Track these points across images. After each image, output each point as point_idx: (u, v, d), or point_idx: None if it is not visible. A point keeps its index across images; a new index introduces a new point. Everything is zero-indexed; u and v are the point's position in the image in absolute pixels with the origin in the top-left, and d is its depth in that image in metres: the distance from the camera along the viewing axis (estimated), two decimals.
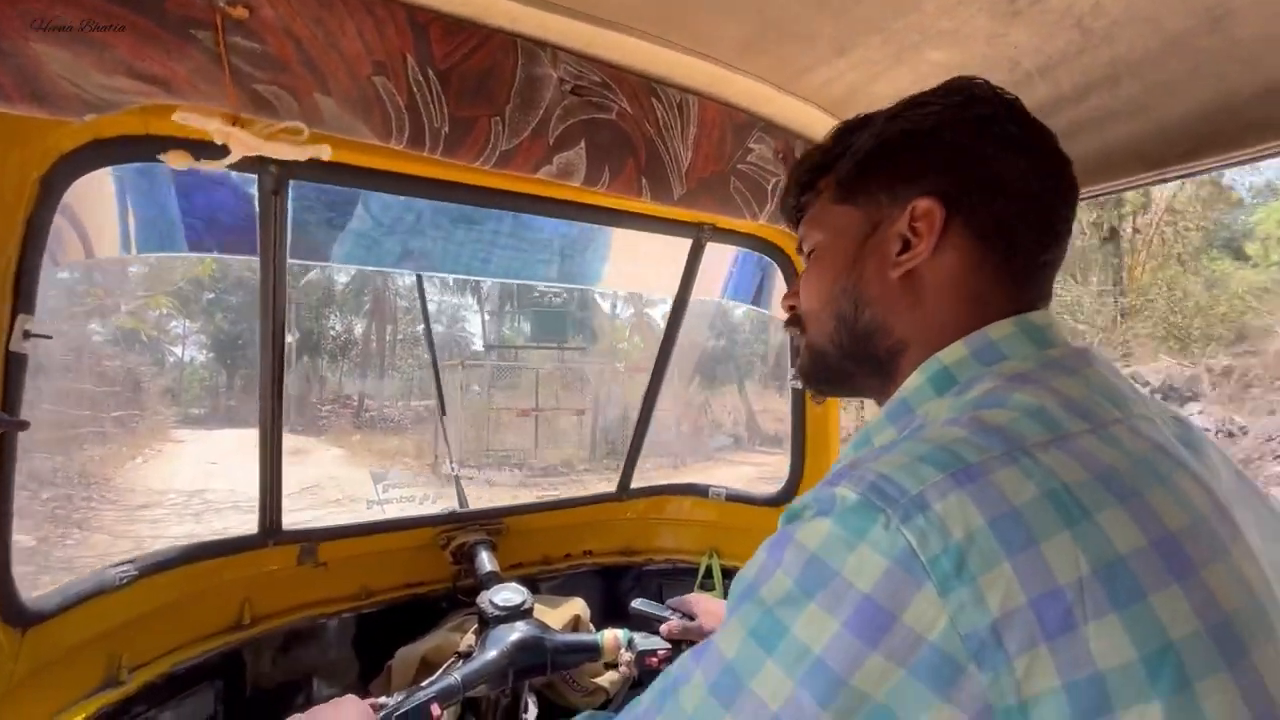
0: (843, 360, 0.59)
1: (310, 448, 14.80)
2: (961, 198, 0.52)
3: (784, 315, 0.69)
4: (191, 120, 0.68)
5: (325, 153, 0.71)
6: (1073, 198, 0.55)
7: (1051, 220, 0.53)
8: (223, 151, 0.73)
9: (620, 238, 1.55)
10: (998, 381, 0.46)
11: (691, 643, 1.09)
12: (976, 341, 0.50)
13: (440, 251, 1.43)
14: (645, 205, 1.15)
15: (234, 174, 0.87)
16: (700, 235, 1.27)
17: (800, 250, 0.65)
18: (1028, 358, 0.48)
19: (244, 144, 0.67)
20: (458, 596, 1.32)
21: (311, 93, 0.70)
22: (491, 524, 1.36)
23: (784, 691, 0.37)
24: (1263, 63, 0.74)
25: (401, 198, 1.30)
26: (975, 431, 0.41)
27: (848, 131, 0.61)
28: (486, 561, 1.27)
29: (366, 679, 1.23)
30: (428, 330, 1.47)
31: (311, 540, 1.17)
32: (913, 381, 0.52)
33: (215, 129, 0.70)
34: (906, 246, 0.53)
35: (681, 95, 0.97)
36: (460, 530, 1.32)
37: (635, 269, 1.64)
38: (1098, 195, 0.98)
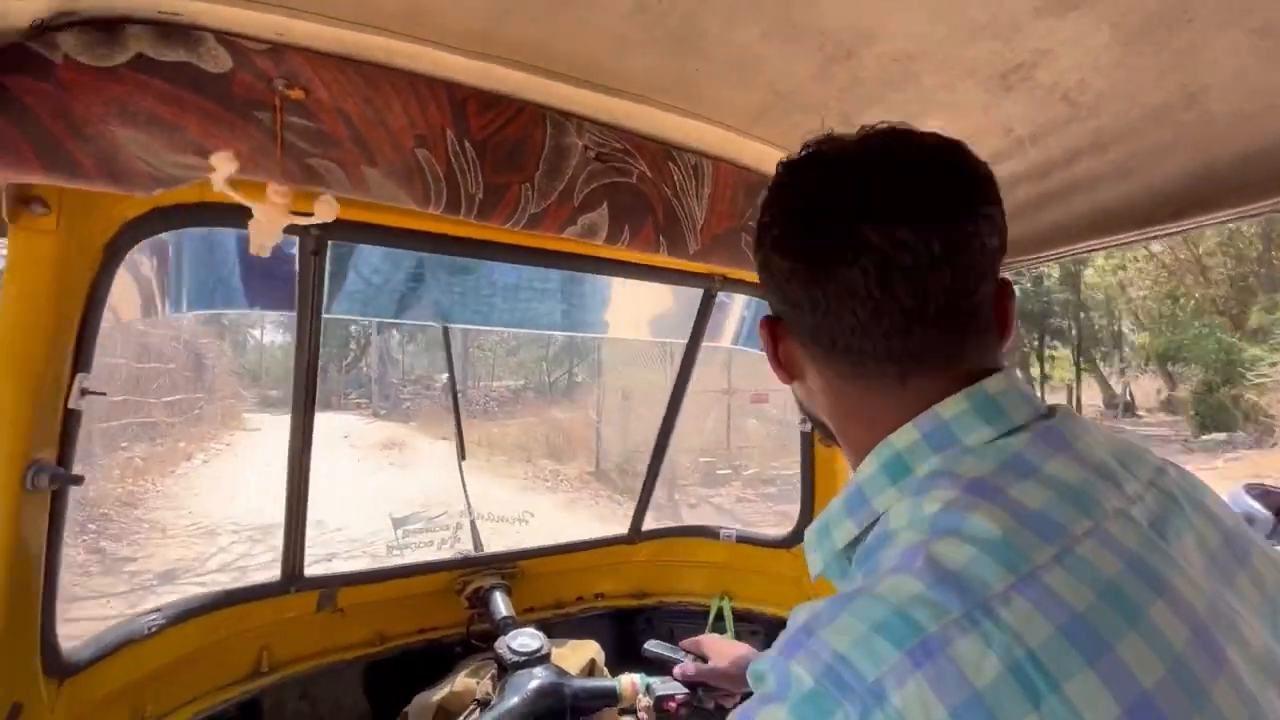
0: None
1: (405, 438, 13.20)
2: (780, 321, 0.53)
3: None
4: (231, 191, 0.73)
5: (333, 212, 0.76)
6: (888, 202, 0.46)
7: (834, 295, 0.47)
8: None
9: (620, 286, 1.60)
10: (954, 491, 0.42)
11: (706, 685, 1.09)
12: (928, 423, 0.47)
13: (443, 303, 1.47)
14: (660, 259, 1.21)
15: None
16: (711, 286, 1.33)
17: None
18: (987, 452, 0.45)
19: (276, 216, 0.72)
20: (472, 641, 1.33)
21: (359, 165, 0.76)
22: (506, 567, 1.37)
23: None
24: (1236, 135, 0.80)
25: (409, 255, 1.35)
26: (931, 584, 0.38)
27: None
28: (502, 606, 1.28)
29: None
30: (451, 378, 1.50)
31: (331, 586, 1.18)
32: (866, 468, 0.49)
33: (260, 206, 0.75)
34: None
35: (697, 159, 1.03)
36: (476, 574, 1.33)
37: (636, 317, 1.69)
38: (1091, 251, 1.04)
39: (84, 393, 0.72)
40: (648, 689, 1.12)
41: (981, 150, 0.97)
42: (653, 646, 1.18)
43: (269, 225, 0.75)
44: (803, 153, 0.52)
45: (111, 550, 6.16)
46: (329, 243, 0.91)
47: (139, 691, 0.92)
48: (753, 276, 1.40)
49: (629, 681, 1.12)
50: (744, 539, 1.53)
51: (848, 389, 0.51)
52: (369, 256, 1.31)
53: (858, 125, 0.87)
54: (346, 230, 0.91)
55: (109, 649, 0.85)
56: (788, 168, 0.52)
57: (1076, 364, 18.78)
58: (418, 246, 1.01)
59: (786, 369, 0.55)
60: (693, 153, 1.03)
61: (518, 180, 0.87)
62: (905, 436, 0.47)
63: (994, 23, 0.74)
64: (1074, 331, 18.46)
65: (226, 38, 0.68)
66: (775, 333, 0.55)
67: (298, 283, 0.91)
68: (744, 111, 0.95)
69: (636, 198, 0.97)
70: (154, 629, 0.92)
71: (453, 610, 1.33)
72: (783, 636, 0.41)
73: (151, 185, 0.66)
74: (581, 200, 0.93)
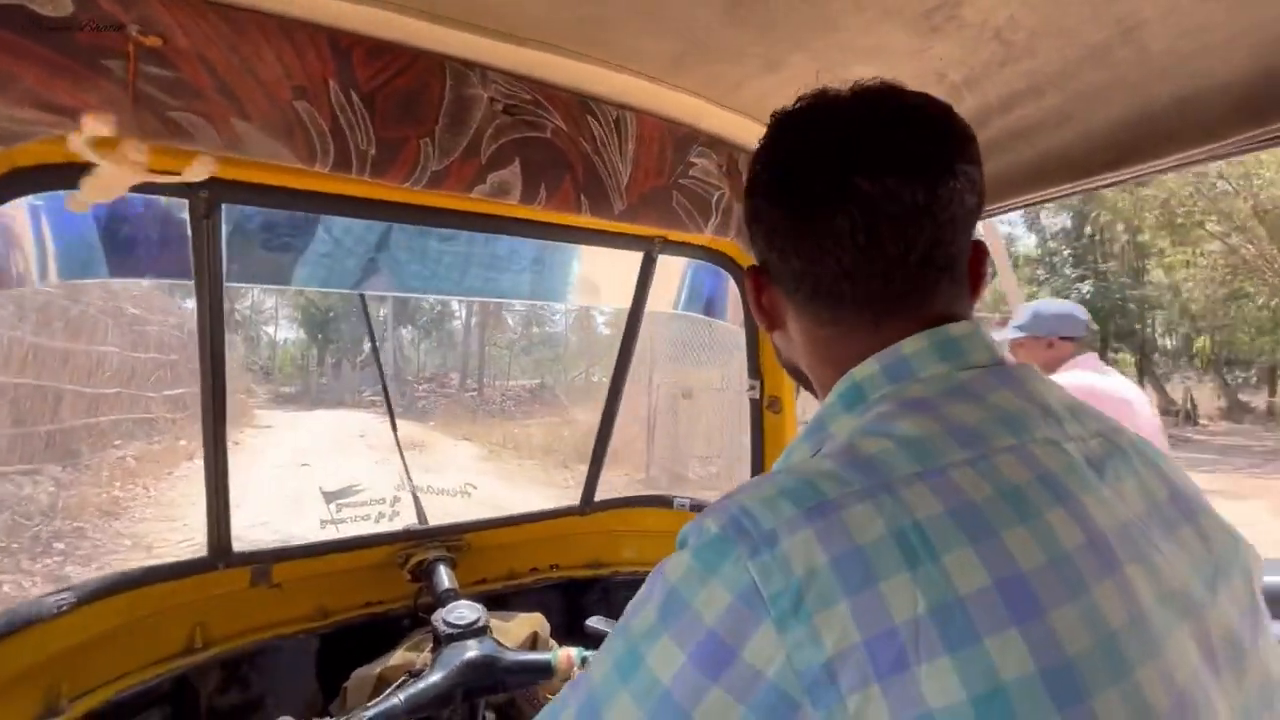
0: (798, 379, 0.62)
1: (425, 438, 12.23)
2: (768, 270, 0.55)
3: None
4: (81, 150, 0.67)
5: (208, 170, 0.71)
6: (874, 153, 0.48)
7: (821, 236, 0.49)
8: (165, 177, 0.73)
9: (588, 253, 1.56)
10: (892, 406, 0.45)
11: None
12: (888, 357, 0.49)
13: (410, 272, 1.43)
14: (594, 220, 1.16)
15: (162, 199, 0.87)
16: (651, 248, 1.28)
17: None
18: (935, 379, 0.47)
19: (132, 172, 0.67)
20: (419, 615, 1.32)
21: (229, 118, 0.71)
22: (452, 540, 1.35)
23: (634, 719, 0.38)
24: (1173, 74, 0.75)
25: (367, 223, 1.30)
26: (844, 464, 0.41)
27: None
28: (445, 579, 1.26)
29: (327, 701, 1.22)
30: (375, 352, 1.46)
31: (264, 561, 1.16)
32: (829, 399, 0.52)
33: (110, 162, 0.69)
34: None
35: (618, 111, 0.98)
36: (419, 547, 1.31)
37: (600, 283, 1.65)
38: (1032, 203, 1.00)
39: None
40: (584, 662, 1.11)
41: None
42: (594, 623, 1.16)
43: (113, 183, 0.70)
44: (796, 105, 0.53)
45: (78, 578, 4.95)
46: (222, 205, 0.87)
47: (53, 669, 0.90)
48: (696, 238, 1.37)
49: (564, 655, 1.10)
50: (697, 507, 1.51)
51: (823, 334, 0.53)
52: (320, 223, 1.26)
53: (783, 73, 0.83)
54: (239, 191, 0.86)
55: (9, 628, 0.83)
56: (780, 120, 0.54)
57: (1140, 368, 17.53)
58: (322, 209, 0.96)
59: (769, 317, 0.58)
60: (613, 105, 0.97)
61: (415, 135, 0.82)
62: (865, 369, 0.50)
63: None
64: (1140, 331, 17.43)
65: None
66: (759, 282, 0.57)
67: (191, 249, 0.87)
68: (661, 59, 0.90)
69: (552, 153, 0.92)
70: (64, 608, 0.90)
71: (399, 584, 1.32)
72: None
73: None
74: (489, 157, 0.88)
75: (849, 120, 0.50)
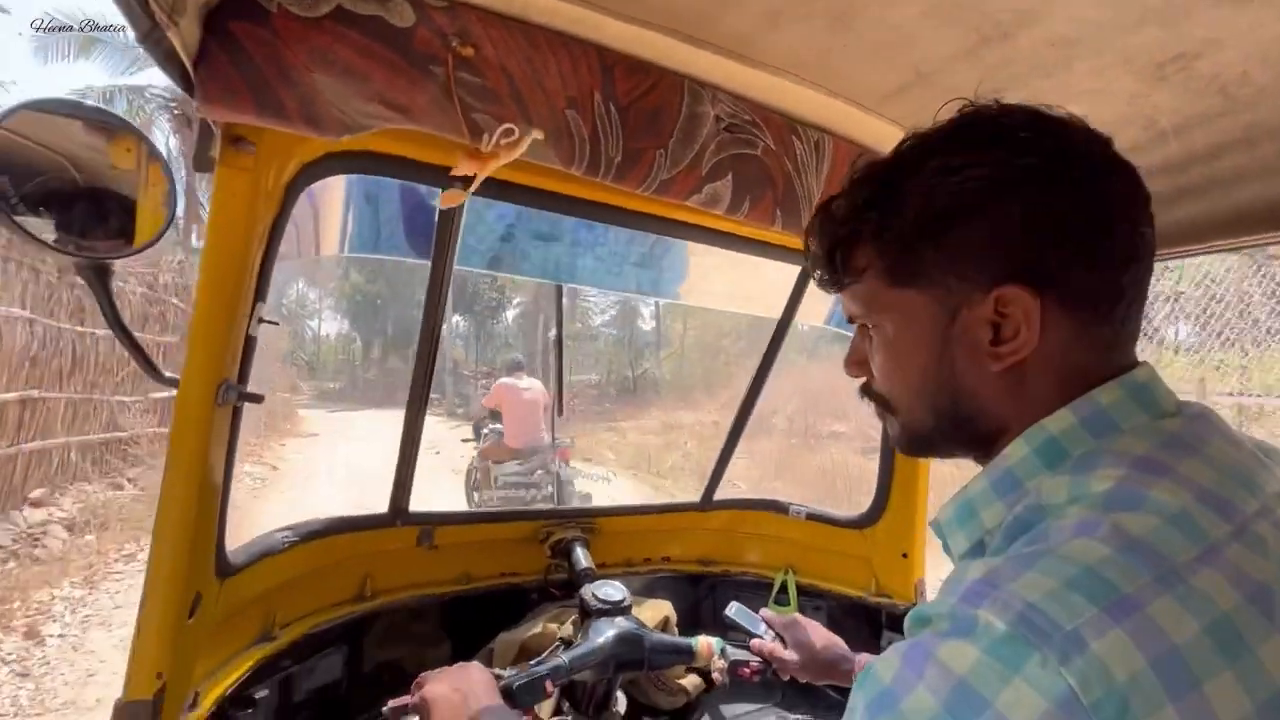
0: (940, 441, 0.57)
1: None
2: (1046, 273, 0.48)
3: None
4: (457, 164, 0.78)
5: (538, 134, 0.79)
6: (1149, 209, 0.50)
7: (1141, 250, 0.49)
8: (443, 172, 0.84)
9: (698, 252, 1.62)
10: (1124, 468, 0.43)
11: (773, 664, 1.11)
12: (1085, 409, 0.48)
13: (528, 259, 1.52)
14: (765, 233, 1.22)
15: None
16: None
17: (850, 318, 0.61)
18: (1142, 431, 0.46)
19: (485, 166, 0.76)
20: (549, 589, 1.40)
21: (517, 122, 0.79)
22: (586, 522, 1.43)
23: None
24: None
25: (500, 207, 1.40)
26: (1119, 549, 0.39)
27: (871, 201, 0.55)
28: (582, 558, 1.34)
29: (462, 657, 1.31)
30: (559, 340, 1.55)
31: (431, 524, 1.26)
32: (1016, 451, 0.49)
33: (463, 161, 0.80)
34: (998, 333, 0.50)
35: (819, 135, 1.04)
36: (559, 526, 1.39)
37: (715, 284, 1.71)
38: (1222, 250, 1.01)
39: (260, 320, 0.78)
40: (723, 651, 1.16)
41: (1120, 141, 0.95)
42: (733, 614, 1.21)
43: (474, 176, 0.80)
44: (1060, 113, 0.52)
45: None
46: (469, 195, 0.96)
47: (271, 599, 1.00)
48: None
49: (705, 643, 1.16)
50: (814, 516, 1.55)
51: (1074, 358, 0.50)
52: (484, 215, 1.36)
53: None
54: (484, 187, 0.95)
55: (255, 557, 0.93)
56: (1069, 124, 0.52)
57: None
58: (543, 205, 1.05)
59: (1022, 340, 0.51)
60: (815, 128, 1.04)
61: (653, 146, 0.90)
62: (1060, 421, 0.48)
63: (1166, 8, 0.72)
64: None
65: None
66: (1041, 292, 0.51)
67: (435, 233, 0.96)
68: (878, 90, 0.95)
69: (760, 170, 0.99)
70: (287, 544, 1.01)
71: (533, 558, 1.40)
72: (953, 589, 0.42)
73: (340, 130, 0.70)
74: (709, 170, 0.95)
75: (1122, 167, 0.51)
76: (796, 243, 1.29)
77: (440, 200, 0.77)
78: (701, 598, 1.60)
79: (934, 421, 0.56)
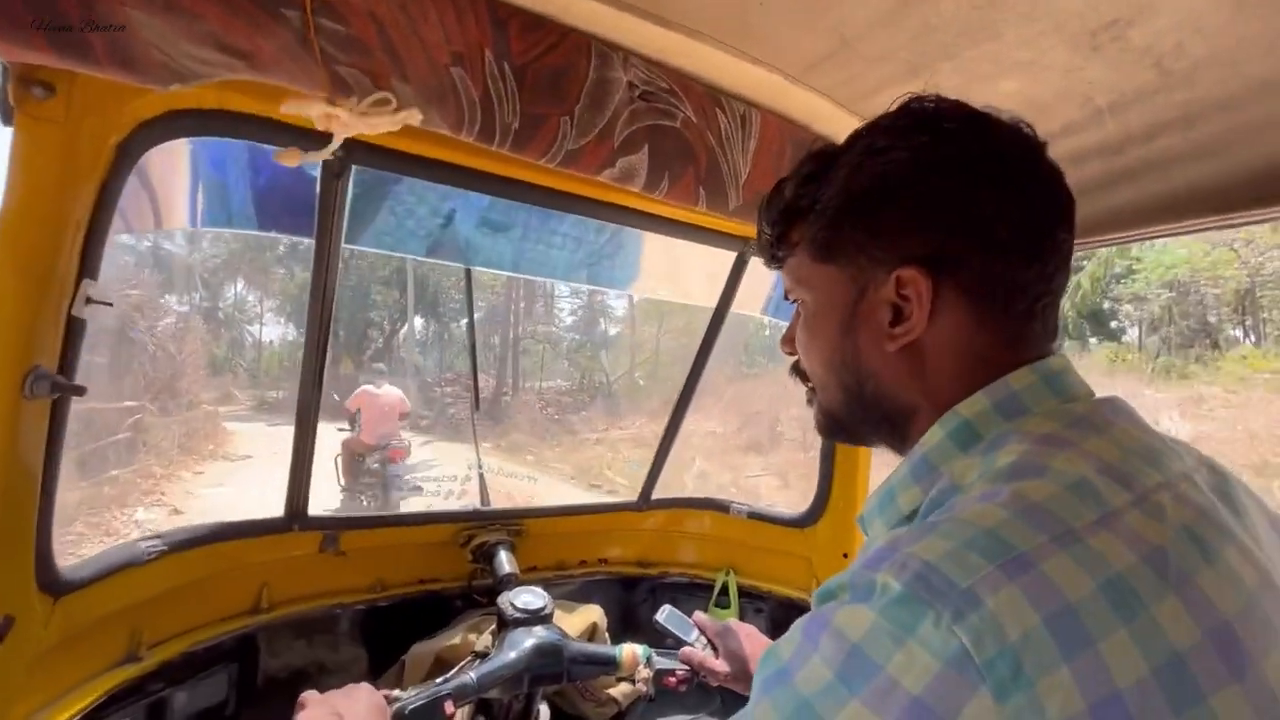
0: (853, 423, 0.58)
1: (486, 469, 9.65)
2: (946, 259, 0.49)
3: None
4: (296, 108, 0.68)
5: (416, 118, 0.70)
6: (1070, 216, 0.52)
7: (1049, 252, 0.50)
8: (313, 136, 0.73)
9: (653, 243, 1.55)
10: (1028, 444, 0.44)
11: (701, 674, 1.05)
12: (998, 392, 0.48)
13: (476, 247, 1.43)
14: (696, 215, 1.15)
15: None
16: (746, 250, 1.27)
17: (787, 296, 0.62)
18: (1051, 413, 0.47)
19: (346, 125, 0.66)
20: (473, 596, 1.31)
21: (389, 78, 0.70)
22: (512, 525, 1.35)
23: None
24: None
25: (443, 190, 1.31)
26: (1018, 512, 0.38)
27: (811, 177, 0.57)
28: (506, 563, 1.26)
29: (377, 672, 1.21)
30: (471, 325, 1.45)
31: (335, 529, 1.16)
32: (932, 437, 0.50)
33: (319, 113, 0.70)
34: (898, 315, 0.51)
35: (745, 108, 0.97)
36: (481, 529, 1.31)
37: (667, 276, 1.63)
38: (1160, 236, 0.97)
39: (89, 300, 0.68)
40: (648, 660, 1.09)
41: (1054, 120, 0.89)
42: (664, 619, 1.14)
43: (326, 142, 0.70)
44: (971, 109, 0.53)
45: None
46: (353, 167, 0.86)
47: (136, 616, 0.90)
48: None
49: (629, 652, 1.09)
50: (755, 515, 1.49)
51: (977, 346, 0.51)
52: (402, 194, 1.26)
53: (922, 82, 0.82)
54: (372, 155, 0.86)
55: (107, 570, 0.83)
56: (984, 118, 0.52)
57: None
58: (444, 179, 0.95)
59: (914, 320, 0.52)
60: (741, 100, 0.96)
61: (557, 112, 0.81)
62: (974, 405, 0.49)
63: None
64: None
65: None
66: (935, 274, 0.52)
67: (318, 206, 0.86)
68: (802, 57, 0.88)
69: (679, 143, 0.91)
70: (153, 554, 0.90)
71: (455, 563, 1.31)
72: (860, 559, 0.43)
73: (168, 78, 0.61)
74: (622, 141, 0.87)
75: (1038, 146, 0.53)
76: (732, 226, 1.23)
77: (276, 156, 0.67)
78: (639, 601, 1.52)
79: (844, 399, 0.57)
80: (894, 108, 0.55)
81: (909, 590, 0.36)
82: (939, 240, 0.49)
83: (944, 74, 0.87)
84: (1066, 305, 15.16)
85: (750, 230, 1.24)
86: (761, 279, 1.43)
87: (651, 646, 1.11)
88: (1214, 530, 0.40)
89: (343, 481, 6.65)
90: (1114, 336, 15.96)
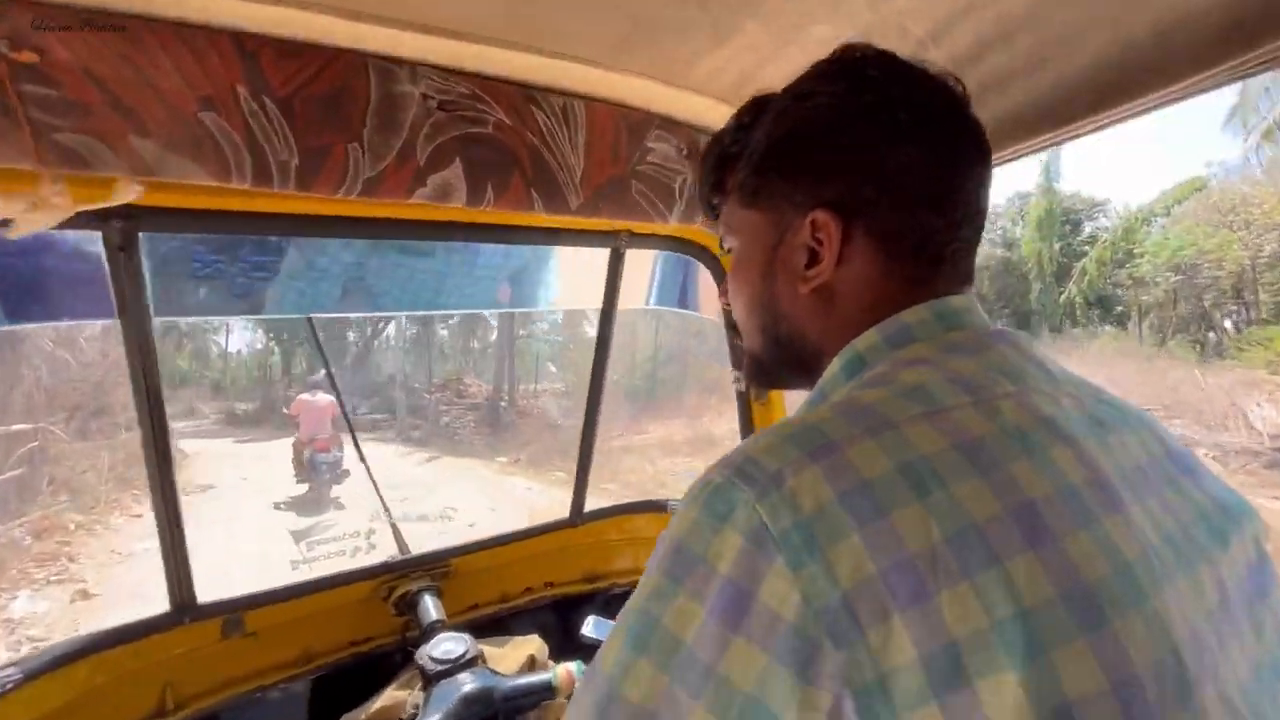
0: (773, 365, 0.59)
1: (500, 490, 9.07)
2: (857, 204, 0.50)
3: (713, 315, 0.67)
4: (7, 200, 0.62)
5: (132, 194, 0.64)
6: (982, 167, 0.52)
7: (961, 199, 0.51)
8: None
9: (567, 256, 1.50)
10: (890, 365, 0.46)
11: None
12: (890, 326, 0.50)
13: (386, 289, 1.37)
14: (553, 219, 1.09)
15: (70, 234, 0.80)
16: (618, 243, 1.22)
17: (722, 248, 0.63)
18: (931, 340, 0.48)
19: (62, 209, 0.60)
20: (409, 649, 1.25)
21: (125, 136, 0.64)
22: (437, 568, 1.29)
23: (658, 687, 0.37)
24: (1152, 2, 0.69)
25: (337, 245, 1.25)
26: (844, 411, 0.41)
27: (743, 125, 0.58)
28: (432, 610, 1.20)
29: None
30: (329, 372, 1.39)
31: (235, 610, 1.09)
32: (829, 369, 0.52)
33: (31, 197, 0.64)
34: (813, 258, 0.52)
35: (564, 100, 0.91)
36: (402, 579, 1.24)
37: (584, 285, 1.58)
38: (1009, 159, 0.94)
39: None
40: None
41: None
42: (590, 631, 1.10)
43: (34, 226, 0.64)
44: (861, 49, 0.54)
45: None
46: (139, 235, 0.80)
47: None
48: (659, 228, 1.31)
49: (564, 671, 1.04)
50: None
51: (887, 289, 0.52)
52: (306, 249, 1.20)
53: (736, 44, 0.80)
54: (158, 218, 0.79)
55: None
56: (864, 59, 0.53)
57: None
58: (251, 229, 0.89)
59: (823, 267, 0.53)
60: (559, 94, 0.91)
61: (342, 140, 0.76)
62: (867, 339, 0.50)
63: None
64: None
65: None
66: (843, 221, 0.52)
67: (111, 285, 0.80)
68: (605, 43, 0.83)
69: (495, 149, 0.86)
70: (9, 686, 0.83)
71: (385, 619, 1.25)
72: None
73: None
74: (428, 158, 0.81)
75: (960, 98, 0.53)
76: (598, 224, 1.17)
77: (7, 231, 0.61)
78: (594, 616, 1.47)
79: (763, 344, 0.58)
80: (831, 54, 0.55)
81: (726, 480, 0.39)
82: (851, 186, 0.50)
83: (753, 33, 0.83)
84: (1074, 291, 15.11)
85: (612, 224, 1.19)
86: (641, 270, 1.38)
87: (587, 661, 1.06)
88: (1047, 433, 0.40)
89: (294, 473, 8.40)
90: (1120, 322, 15.82)
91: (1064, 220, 16.77)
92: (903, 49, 0.84)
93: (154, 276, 0.82)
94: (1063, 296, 15.67)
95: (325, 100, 0.74)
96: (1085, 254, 15.57)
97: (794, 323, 0.55)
